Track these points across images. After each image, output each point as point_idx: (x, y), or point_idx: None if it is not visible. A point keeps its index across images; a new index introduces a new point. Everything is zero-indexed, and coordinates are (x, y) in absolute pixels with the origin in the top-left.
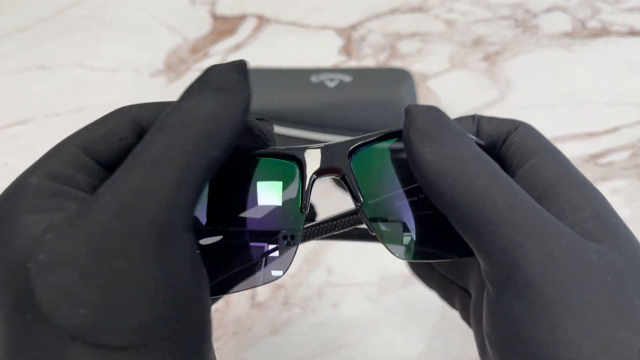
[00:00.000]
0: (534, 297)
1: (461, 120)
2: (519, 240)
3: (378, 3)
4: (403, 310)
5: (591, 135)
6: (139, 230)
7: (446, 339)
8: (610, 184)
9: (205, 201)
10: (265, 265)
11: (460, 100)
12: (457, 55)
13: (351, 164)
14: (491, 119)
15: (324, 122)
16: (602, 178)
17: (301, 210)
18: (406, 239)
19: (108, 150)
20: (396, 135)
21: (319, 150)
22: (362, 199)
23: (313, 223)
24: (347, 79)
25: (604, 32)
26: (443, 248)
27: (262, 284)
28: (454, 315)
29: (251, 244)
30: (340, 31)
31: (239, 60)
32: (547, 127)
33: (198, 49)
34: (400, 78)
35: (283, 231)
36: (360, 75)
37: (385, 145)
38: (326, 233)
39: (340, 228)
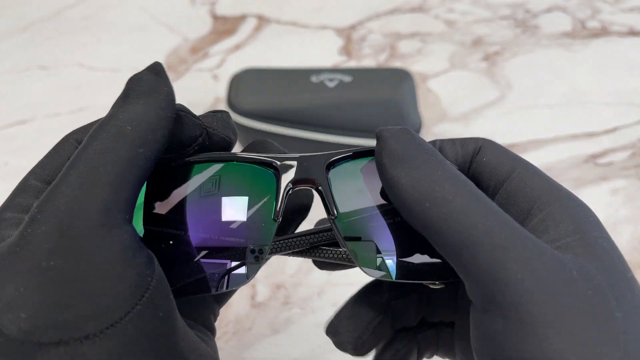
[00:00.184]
0: (518, 315)
1: None
2: (500, 261)
3: (378, 3)
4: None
5: (591, 135)
6: (76, 234)
7: None
8: (610, 184)
9: (177, 202)
10: (232, 271)
11: (460, 101)
12: (457, 55)
13: (328, 176)
14: (453, 142)
15: (324, 122)
16: (602, 178)
17: (274, 219)
18: (379, 257)
19: None
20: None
21: (296, 160)
22: (336, 212)
23: (284, 236)
24: (347, 79)
25: (604, 32)
26: (418, 271)
27: (226, 290)
28: None
29: (218, 247)
30: (340, 31)
31: (153, 63)
32: (547, 127)
33: (198, 49)
34: (400, 78)
35: (253, 238)
36: (360, 75)
37: (365, 161)
38: (297, 248)
39: (312, 244)
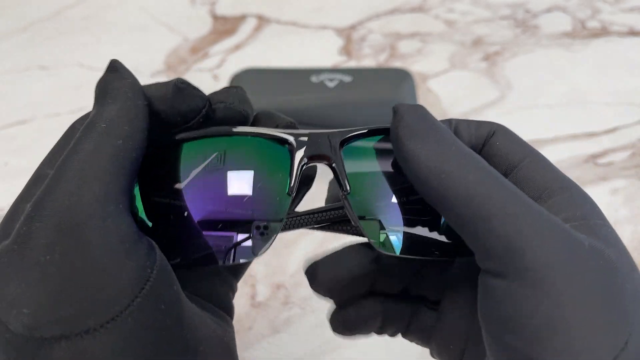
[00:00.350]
0: (535, 279)
1: None
2: (516, 229)
3: (378, 3)
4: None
5: (591, 135)
6: (75, 228)
7: None
8: (610, 184)
9: (189, 176)
10: (243, 244)
11: (460, 101)
12: (457, 55)
13: (341, 153)
14: (469, 123)
15: (324, 122)
16: (602, 178)
17: (288, 193)
18: (390, 233)
19: None
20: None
21: (310, 136)
22: (348, 189)
23: (297, 213)
24: (347, 79)
25: (604, 32)
26: (426, 247)
27: (240, 262)
28: None
29: (233, 219)
30: (340, 31)
31: (109, 62)
32: (547, 127)
33: (198, 49)
34: (400, 78)
35: (268, 211)
36: (360, 75)
37: (378, 139)
38: (309, 225)
39: (324, 221)
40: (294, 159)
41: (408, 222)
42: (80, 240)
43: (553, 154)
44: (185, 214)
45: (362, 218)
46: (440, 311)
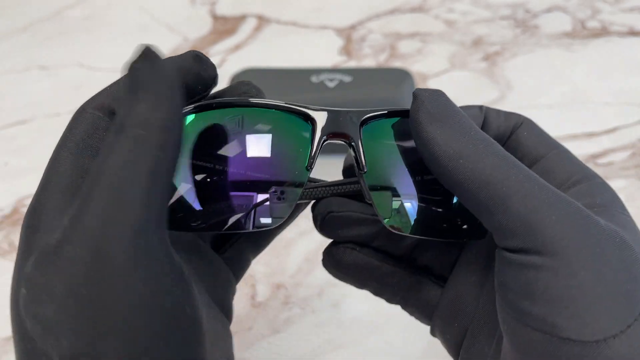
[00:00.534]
0: (554, 252)
1: (468, 108)
2: (534, 207)
3: (378, 3)
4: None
5: (591, 135)
6: (110, 259)
7: None
8: (610, 183)
9: (214, 144)
10: (262, 213)
11: (460, 101)
12: (457, 56)
13: (361, 132)
14: (498, 112)
15: None
16: (602, 178)
17: (307, 168)
18: (402, 211)
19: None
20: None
21: (332, 113)
22: (365, 168)
23: (313, 184)
24: (347, 79)
25: (604, 32)
26: (437, 228)
27: (261, 228)
28: None
29: (251, 191)
30: (340, 31)
31: (144, 49)
32: (547, 127)
33: (198, 49)
34: (400, 78)
35: (287, 183)
36: (360, 75)
37: (397, 121)
38: (324, 197)
39: (339, 194)
40: (315, 135)
41: (420, 203)
42: (116, 276)
43: None
44: (207, 179)
45: (376, 196)
46: (447, 287)
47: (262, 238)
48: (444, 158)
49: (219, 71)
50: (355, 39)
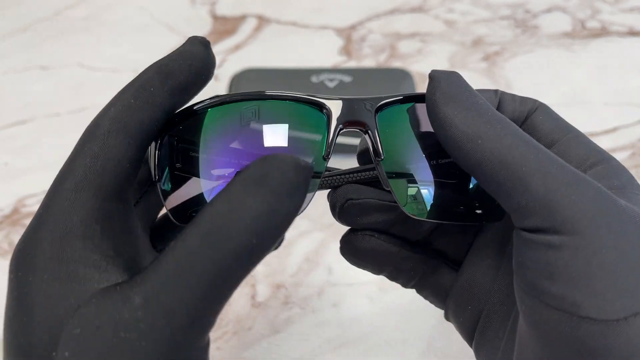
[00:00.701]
0: (574, 230)
1: (483, 92)
2: (553, 186)
3: (378, 3)
4: (403, 310)
5: (591, 135)
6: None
7: (446, 339)
8: None
9: (231, 139)
10: None
11: None
12: (457, 56)
13: (376, 119)
14: (514, 97)
15: None
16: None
17: (324, 157)
18: (420, 197)
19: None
20: (424, 99)
21: (346, 102)
22: (382, 155)
23: (329, 173)
24: (347, 79)
25: (604, 32)
26: (454, 212)
27: None
28: None
29: None
30: (340, 31)
31: (304, 163)
32: None
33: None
34: (400, 78)
35: None
36: (360, 75)
37: (412, 106)
38: (341, 185)
39: (356, 182)
40: (331, 124)
41: (438, 188)
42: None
43: None
44: (225, 173)
45: (393, 183)
46: (461, 271)
47: None
48: (462, 139)
49: (219, 71)
50: (355, 39)
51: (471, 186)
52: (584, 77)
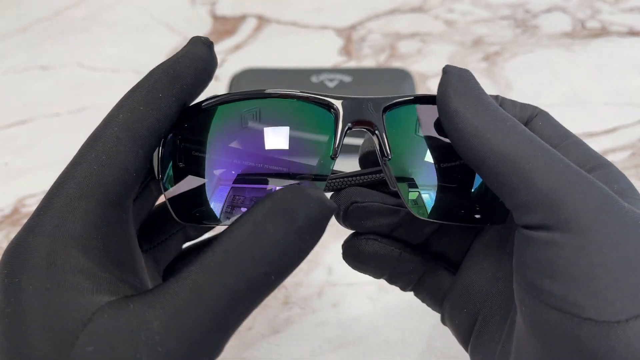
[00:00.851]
0: (578, 228)
1: None
2: (558, 183)
3: (378, 3)
4: (403, 310)
5: (591, 135)
6: None
7: (446, 339)
8: None
9: (235, 137)
10: None
11: None
12: (457, 56)
13: (384, 119)
14: (514, 103)
15: None
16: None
17: (331, 157)
18: (426, 197)
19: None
20: (432, 100)
21: (353, 101)
22: (389, 154)
23: (335, 175)
24: (347, 79)
25: (603, 32)
26: (458, 213)
27: None
28: None
29: (276, 185)
30: (340, 31)
31: (330, 203)
32: None
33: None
34: (400, 78)
35: (311, 175)
36: (360, 75)
37: (419, 107)
38: (346, 187)
39: (362, 184)
40: (338, 124)
41: (443, 189)
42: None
43: None
44: (230, 173)
45: (400, 182)
46: (459, 273)
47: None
48: (470, 132)
49: (219, 71)
50: (355, 39)
51: (476, 188)
52: (584, 77)
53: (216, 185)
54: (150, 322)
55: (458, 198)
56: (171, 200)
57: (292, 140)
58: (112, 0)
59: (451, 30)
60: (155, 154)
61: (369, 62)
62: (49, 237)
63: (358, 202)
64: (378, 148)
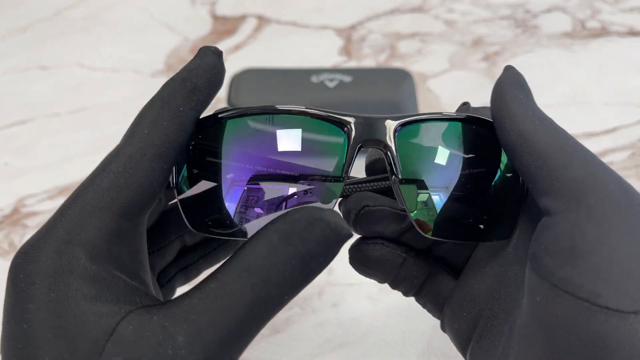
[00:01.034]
0: (604, 214)
1: (485, 109)
2: (592, 172)
3: (378, 3)
4: (403, 310)
5: (591, 135)
6: None
7: (446, 339)
8: None
9: (252, 153)
10: None
11: (460, 101)
12: (457, 56)
13: (396, 139)
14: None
15: None
16: None
17: (342, 177)
18: (433, 216)
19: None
20: (444, 119)
21: (365, 120)
22: (400, 175)
23: (346, 181)
24: (347, 79)
25: (603, 32)
26: (466, 231)
27: None
28: None
29: (288, 199)
30: (340, 31)
31: (346, 231)
32: None
33: (198, 49)
34: (400, 78)
35: (323, 189)
36: (360, 75)
37: (432, 126)
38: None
39: (371, 192)
40: (350, 143)
41: (451, 209)
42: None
43: None
44: (243, 187)
45: (408, 200)
46: (461, 278)
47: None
48: (521, 116)
49: None
50: (355, 39)
51: (485, 203)
52: (584, 77)
53: (231, 196)
54: (175, 337)
55: (465, 218)
56: (186, 209)
57: (306, 156)
58: (112, 0)
59: (451, 30)
60: None
61: (369, 62)
62: (66, 244)
63: (369, 205)
64: (388, 167)
